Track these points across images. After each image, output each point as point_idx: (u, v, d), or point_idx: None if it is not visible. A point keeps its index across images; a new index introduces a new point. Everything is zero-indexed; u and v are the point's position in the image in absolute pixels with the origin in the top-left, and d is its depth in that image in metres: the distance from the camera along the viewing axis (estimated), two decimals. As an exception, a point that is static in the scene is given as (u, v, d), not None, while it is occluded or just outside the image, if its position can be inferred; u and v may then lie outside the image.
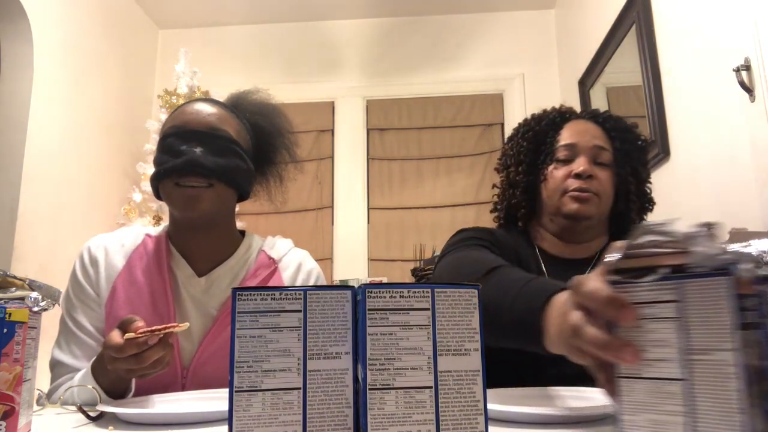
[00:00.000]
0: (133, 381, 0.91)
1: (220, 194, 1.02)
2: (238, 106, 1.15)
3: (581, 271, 1.08)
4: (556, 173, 1.12)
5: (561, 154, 1.12)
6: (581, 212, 1.08)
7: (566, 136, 1.14)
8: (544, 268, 1.11)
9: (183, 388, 0.99)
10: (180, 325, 0.80)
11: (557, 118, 1.18)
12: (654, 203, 1.19)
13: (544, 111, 1.21)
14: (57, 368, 0.99)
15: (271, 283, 1.08)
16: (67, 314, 1.03)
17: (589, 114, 1.20)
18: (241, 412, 0.43)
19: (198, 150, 0.99)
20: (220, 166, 1.00)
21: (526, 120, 1.22)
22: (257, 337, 0.44)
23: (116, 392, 0.88)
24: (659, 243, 0.43)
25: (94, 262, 1.05)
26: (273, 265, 1.11)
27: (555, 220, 1.13)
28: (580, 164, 1.09)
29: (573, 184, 1.08)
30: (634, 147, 1.14)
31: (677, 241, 0.42)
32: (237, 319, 0.44)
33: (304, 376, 0.44)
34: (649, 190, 1.18)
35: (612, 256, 0.45)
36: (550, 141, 1.15)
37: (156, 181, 1.02)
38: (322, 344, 0.45)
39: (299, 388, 0.44)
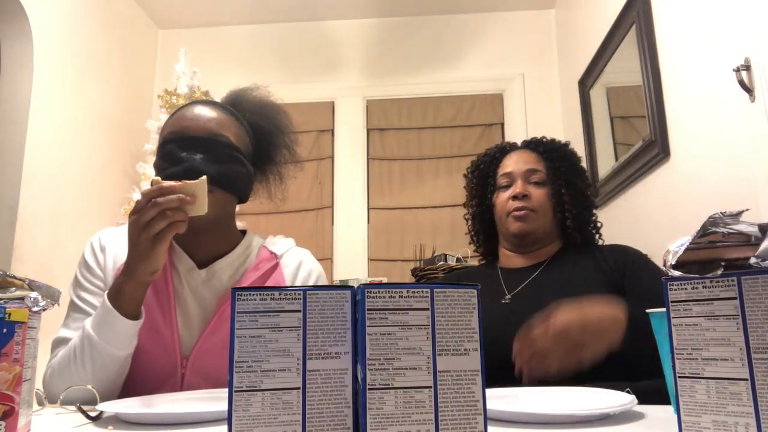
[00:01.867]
0: (143, 311, 0.94)
1: (220, 200, 1.03)
2: (237, 105, 1.15)
3: (532, 273, 1.24)
4: (499, 200, 1.32)
5: (501, 182, 1.33)
6: (522, 229, 1.26)
7: (504, 166, 1.34)
8: (502, 280, 1.28)
9: (182, 379, 0.99)
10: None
11: (497, 153, 1.39)
12: (594, 205, 1.36)
13: (488, 149, 1.42)
14: (61, 344, 0.99)
15: (272, 277, 1.10)
16: (76, 295, 1.05)
17: (524, 143, 1.40)
18: (241, 411, 0.43)
19: (198, 157, 1.00)
20: (220, 173, 1.01)
21: (473, 161, 1.43)
22: (257, 337, 0.44)
23: (133, 310, 0.92)
24: (724, 236, 0.42)
25: (102, 248, 1.09)
26: (275, 259, 1.12)
27: (508, 239, 1.32)
28: (516, 188, 1.28)
29: (512, 205, 1.27)
30: (564, 162, 1.32)
31: (741, 234, 0.41)
32: (237, 319, 0.44)
33: (303, 376, 0.44)
34: (588, 195, 1.34)
35: (675, 248, 0.44)
36: (493, 173, 1.36)
37: None
38: (322, 344, 0.45)
39: (298, 388, 0.44)
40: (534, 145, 1.37)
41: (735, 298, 0.41)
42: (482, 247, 1.41)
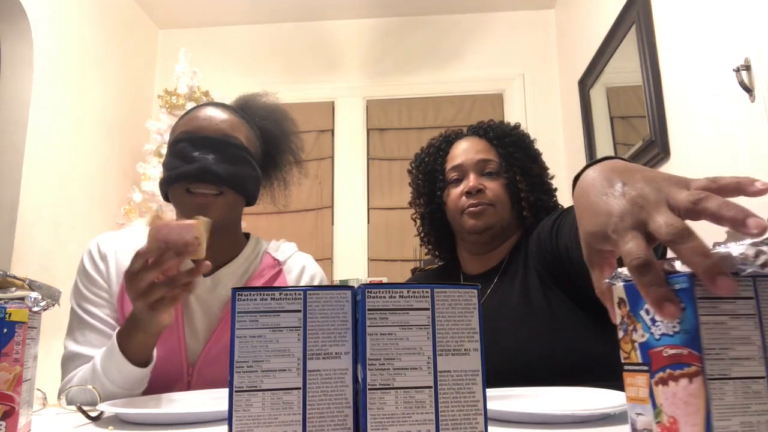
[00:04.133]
0: (155, 353, 0.92)
1: (229, 202, 1.03)
2: (246, 109, 1.15)
3: (487, 284, 1.14)
4: (451, 197, 1.18)
5: (451, 176, 1.19)
6: (479, 226, 1.13)
7: (453, 157, 1.20)
8: None
9: (189, 387, 0.99)
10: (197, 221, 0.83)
11: (442, 143, 1.25)
12: (553, 189, 1.23)
13: (431, 140, 1.28)
14: (74, 361, 0.98)
15: (275, 285, 1.09)
16: (79, 307, 1.02)
17: (471, 130, 1.25)
18: (241, 412, 0.43)
19: (210, 157, 0.99)
20: (231, 174, 1.01)
21: (416, 154, 1.29)
22: (257, 337, 0.44)
23: (142, 358, 0.89)
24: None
25: (103, 256, 1.06)
26: (278, 266, 1.12)
27: (465, 238, 1.19)
28: (468, 182, 1.15)
29: (467, 202, 1.14)
30: (516, 148, 1.19)
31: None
32: (237, 319, 0.44)
33: (303, 376, 0.44)
34: (546, 181, 1.22)
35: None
36: (441, 167, 1.22)
37: (166, 185, 1.03)
38: (322, 344, 0.45)
39: (299, 388, 0.44)
40: (483, 132, 1.23)
41: (752, 298, 0.41)
42: (436, 249, 1.28)
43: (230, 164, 1.01)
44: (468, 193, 1.14)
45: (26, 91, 2.52)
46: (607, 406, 0.64)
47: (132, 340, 0.88)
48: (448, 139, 1.25)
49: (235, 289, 0.45)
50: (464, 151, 1.19)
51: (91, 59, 2.97)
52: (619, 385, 0.78)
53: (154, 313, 0.82)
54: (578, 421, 0.63)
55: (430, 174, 1.24)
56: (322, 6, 3.54)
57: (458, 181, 1.18)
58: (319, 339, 0.45)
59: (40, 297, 0.59)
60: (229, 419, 0.43)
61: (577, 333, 1.00)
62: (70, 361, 0.99)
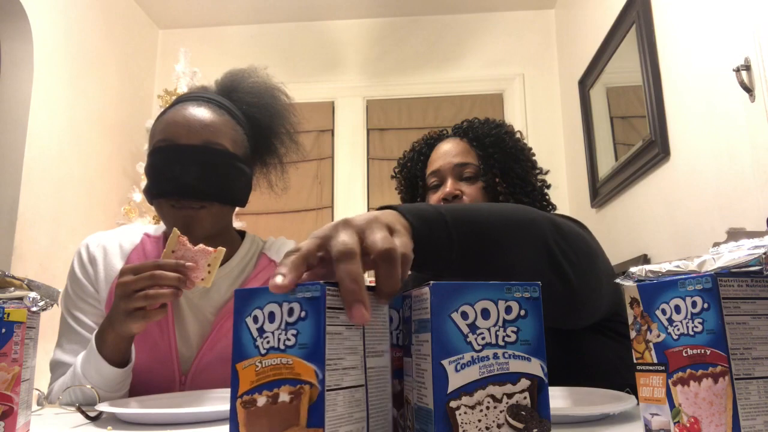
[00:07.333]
0: (133, 351, 0.90)
1: (216, 213, 0.98)
2: (232, 94, 1.08)
3: None
4: (430, 202, 1.14)
5: (430, 181, 1.17)
6: None
7: (432, 162, 1.18)
8: None
9: None
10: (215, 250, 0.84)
11: (423, 147, 1.22)
12: (541, 187, 1.19)
13: (414, 143, 1.26)
14: (59, 368, 0.97)
15: None
16: (68, 312, 1.01)
17: (454, 130, 1.22)
18: (330, 411, 0.41)
19: (192, 170, 0.93)
20: (216, 187, 0.95)
21: (399, 159, 1.27)
22: (335, 334, 0.43)
23: (118, 358, 0.87)
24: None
25: (92, 260, 1.03)
26: (274, 266, 1.08)
27: None
28: (445, 188, 1.13)
29: None
30: (496, 149, 1.15)
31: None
32: (328, 315, 0.42)
33: (365, 374, 0.44)
34: (530, 180, 1.18)
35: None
36: (421, 172, 1.20)
37: (149, 197, 0.98)
38: (374, 342, 0.45)
39: (363, 385, 0.44)
40: (463, 132, 1.19)
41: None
42: None
43: (215, 176, 0.95)
44: (445, 200, 1.12)
45: (26, 91, 2.51)
46: (607, 406, 0.64)
47: (106, 339, 0.86)
48: (429, 142, 1.23)
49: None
50: (443, 154, 1.17)
51: (91, 59, 2.97)
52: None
53: (127, 319, 0.81)
54: (578, 421, 0.63)
55: (411, 179, 1.22)
56: (322, 6, 3.53)
57: (437, 187, 1.16)
58: (373, 337, 0.45)
59: (38, 297, 0.58)
60: (321, 419, 0.40)
61: (563, 338, 1.00)
62: (55, 369, 0.98)
